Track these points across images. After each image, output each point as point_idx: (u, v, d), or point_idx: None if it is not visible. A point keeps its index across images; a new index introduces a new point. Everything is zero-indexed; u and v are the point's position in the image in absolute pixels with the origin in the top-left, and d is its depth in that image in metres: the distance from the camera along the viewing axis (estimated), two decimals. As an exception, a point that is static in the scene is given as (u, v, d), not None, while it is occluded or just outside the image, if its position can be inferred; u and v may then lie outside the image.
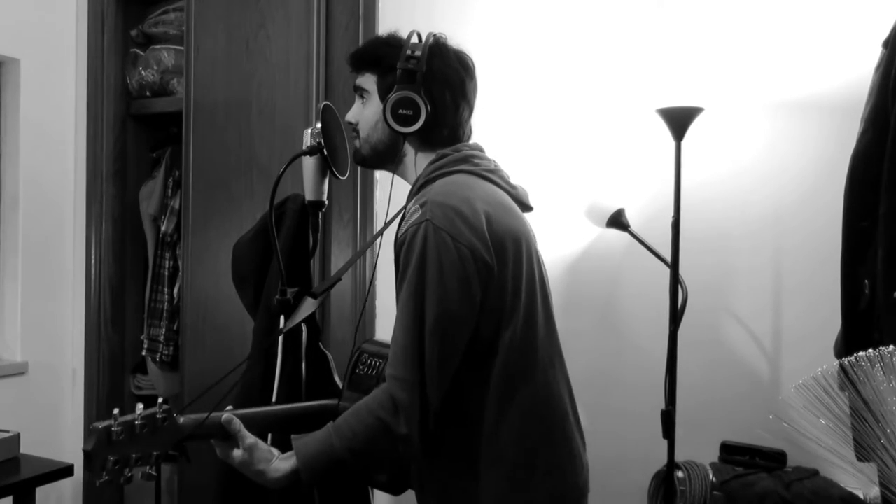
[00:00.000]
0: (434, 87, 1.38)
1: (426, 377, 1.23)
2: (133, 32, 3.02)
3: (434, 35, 1.42)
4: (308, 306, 1.40)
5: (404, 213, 1.36)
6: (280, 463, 1.25)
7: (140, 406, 1.12)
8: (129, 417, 1.10)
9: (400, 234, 1.30)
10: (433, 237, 1.24)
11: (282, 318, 1.68)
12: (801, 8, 1.94)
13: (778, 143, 1.97)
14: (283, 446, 1.29)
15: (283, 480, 1.24)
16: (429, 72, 1.37)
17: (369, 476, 1.42)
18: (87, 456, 1.06)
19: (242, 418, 1.28)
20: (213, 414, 1.22)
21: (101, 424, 1.07)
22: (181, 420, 1.18)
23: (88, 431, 1.07)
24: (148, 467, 1.12)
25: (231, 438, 1.25)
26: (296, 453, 1.24)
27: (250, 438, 1.25)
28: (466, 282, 1.25)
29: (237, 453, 1.24)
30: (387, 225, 1.40)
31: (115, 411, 1.09)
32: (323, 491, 1.69)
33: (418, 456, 1.30)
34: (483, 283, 1.27)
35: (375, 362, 1.42)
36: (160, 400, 1.16)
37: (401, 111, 1.37)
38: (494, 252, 1.28)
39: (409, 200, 1.41)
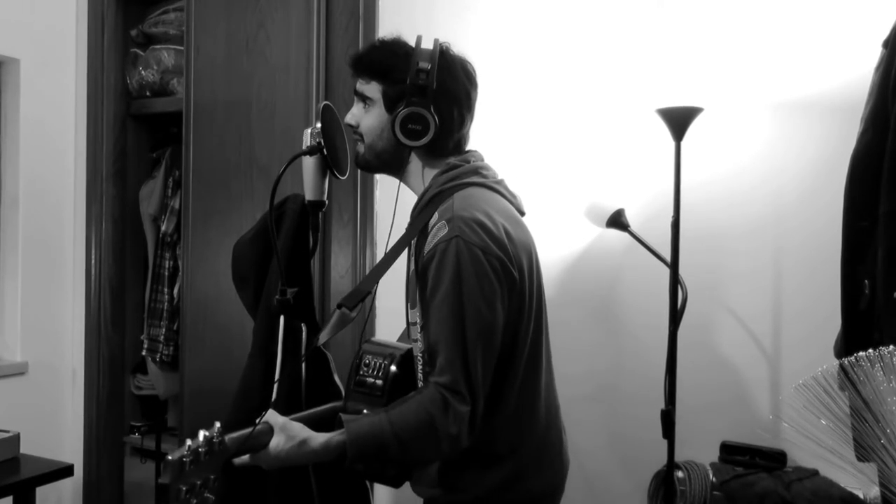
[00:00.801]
0: (443, 102, 1.41)
1: (474, 384, 1.28)
2: (133, 32, 3.02)
3: (440, 45, 1.43)
4: (342, 320, 1.40)
5: (425, 226, 1.39)
6: (325, 435, 1.28)
7: (202, 433, 1.15)
8: (195, 445, 1.14)
9: (427, 249, 1.34)
10: (466, 252, 1.29)
11: (281, 318, 1.68)
12: (801, 8, 1.93)
13: (778, 143, 1.97)
14: None
15: (326, 453, 1.27)
16: (438, 87, 1.40)
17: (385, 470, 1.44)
18: (164, 489, 1.10)
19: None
20: (248, 431, 1.25)
21: (175, 456, 1.10)
22: (227, 440, 1.21)
23: (164, 464, 1.10)
24: (206, 492, 1.15)
25: (265, 447, 1.27)
26: (346, 430, 1.27)
27: (281, 417, 1.28)
28: (500, 292, 1.32)
29: (273, 440, 1.26)
30: (411, 236, 1.43)
31: (188, 441, 1.13)
32: (322, 487, 1.69)
33: (456, 456, 1.35)
34: (509, 293, 1.34)
35: (379, 364, 1.44)
36: (217, 424, 1.19)
37: (410, 126, 1.40)
38: (516, 264, 1.35)
39: (416, 208, 1.46)
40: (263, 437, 1.27)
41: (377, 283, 1.44)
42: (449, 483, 1.41)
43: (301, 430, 1.28)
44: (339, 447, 1.27)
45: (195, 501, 1.13)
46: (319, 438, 1.28)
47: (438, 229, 1.33)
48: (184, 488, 1.10)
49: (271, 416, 1.29)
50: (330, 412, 1.44)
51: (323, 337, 1.41)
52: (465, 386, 1.27)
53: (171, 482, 1.09)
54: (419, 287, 1.38)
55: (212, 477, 1.15)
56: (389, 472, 1.39)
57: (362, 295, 1.40)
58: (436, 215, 1.37)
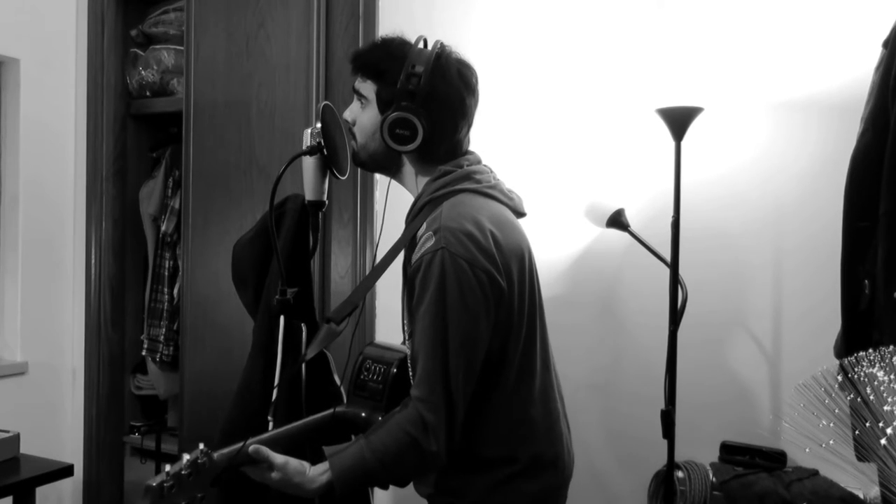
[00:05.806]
0: (433, 108, 1.38)
1: (452, 397, 1.28)
2: (133, 32, 3.02)
3: (438, 48, 1.41)
4: (329, 334, 1.40)
5: (414, 236, 1.39)
6: (315, 476, 1.29)
7: (185, 456, 1.17)
8: (177, 468, 1.16)
9: (414, 260, 1.34)
10: (451, 264, 1.28)
11: (281, 318, 1.68)
12: (801, 8, 1.94)
13: (778, 142, 1.97)
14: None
15: (319, 491, 1.30)
16: (429, 93, 1.37)
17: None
18: None
19: (266, 442, 1.31)
20: (238, 445, 1.27)
21: (155, 482, 1.12)
22: (215, 457, 1.22)
23: (144, 490, 1.13)
24: None
25: (261, 462, 1.29)
26: (330, 468, 1.29)
27: (280, 458, 1.29)
28: (485, 305, 1.30)
29: (274, 475, 1.28)
30: (400, 246, 1.43)
31: (167, 467, 1.15)
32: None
33: (442, 468, 1.36)
34: (496, 303, 1.33)
35: (379, 368, 1.44)
36: (201, 446, 1.20)
37: (398, 131, 1.38)
38: (504, 274, 1.34)
39: (410, 215, 1.45)
40: (248, 456, 1.28)
41: (366, 295, 1.44)
42: (444, 486, 1.42)
43: (294, 477, 1.28)
44: (329, 486, 1.29)
45: None
46: (310, 485, 1.29)
47: (426, 240, 1.32)
48: None
49: (270, 453, 1.29)
50: (329, 418, 1.44)
51: (310, 352, 1.42)
52: (443, 396, 1.27)
53: None
54: (407, 297, 1.39)
55: (198, 496, 1.18)
56: (385, 486, 1.41)
57: (350, 309, 1.40)
58: (424, 225, 1.36)
